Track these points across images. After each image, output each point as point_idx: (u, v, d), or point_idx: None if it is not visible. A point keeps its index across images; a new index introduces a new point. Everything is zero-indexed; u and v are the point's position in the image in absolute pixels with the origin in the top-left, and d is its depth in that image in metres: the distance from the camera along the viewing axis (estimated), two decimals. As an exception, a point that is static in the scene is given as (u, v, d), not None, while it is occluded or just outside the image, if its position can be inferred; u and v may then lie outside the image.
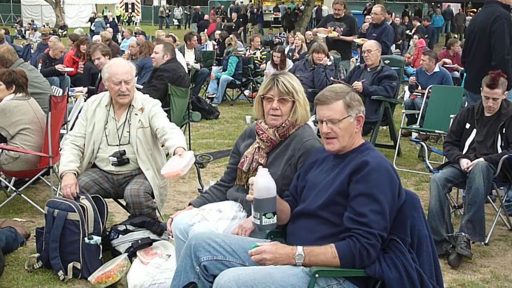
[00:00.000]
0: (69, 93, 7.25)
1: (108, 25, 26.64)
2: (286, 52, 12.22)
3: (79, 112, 5.97)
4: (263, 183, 2.77)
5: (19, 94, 5.32)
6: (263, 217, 2.77)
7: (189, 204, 3.61)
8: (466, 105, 6.38)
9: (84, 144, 4.47)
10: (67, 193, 4.16)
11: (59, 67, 10.13)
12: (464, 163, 4.83)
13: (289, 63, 11.11)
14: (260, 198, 2.77)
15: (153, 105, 4.50)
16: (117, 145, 4.43)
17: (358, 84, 7.10)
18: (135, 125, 4.41)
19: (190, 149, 6.51)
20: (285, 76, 3.36)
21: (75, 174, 4.30)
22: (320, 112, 2.94)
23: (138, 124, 4.41)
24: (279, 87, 3.30)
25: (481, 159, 4.76)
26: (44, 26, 28.19)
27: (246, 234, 3.19)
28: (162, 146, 4.46)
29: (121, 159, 4.40)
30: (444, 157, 5.56)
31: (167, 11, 39.92)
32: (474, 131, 5.04)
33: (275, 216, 2.80)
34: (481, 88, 4.98)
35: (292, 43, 14.95)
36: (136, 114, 4.43)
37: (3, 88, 5.34)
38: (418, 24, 21.60)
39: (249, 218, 3.06)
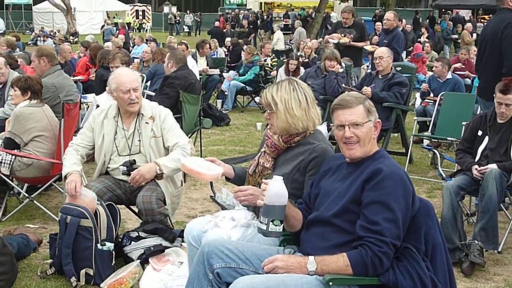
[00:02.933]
0: (81, 99, 7.30)
1: (117, 32, 26.63)
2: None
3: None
4: (275, 190, 2.76)
5: (34, 101, 5.36)
6: (271, 223, 2.75)
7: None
8: (478, 112, 6.35)
9: (85, 154, 4.46)
10: (70, 187, 4.09)
11: None
12: (474, 168, 4.81)
13: (301, 70, 11.11)
14: (271, 204, 2.76)
15: (165, 115, 4.45)
16: (127, 155, 4.42)
17: (367, 90, 7.06)
18: (147, 134, 4.38)
19: (201, 156, 6.52)
20: (274, 86, 3.34)
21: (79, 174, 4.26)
22: (342, 116, 2.91)
23: (151, 134, 4.38)
24: (264, 99, 3.35)
25: (494, 165, 4.74)
26: (55, 32, 28.35)
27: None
28: None
29: (131, 168, 4.34)
30: (457, 164, 5.53)
31: (178, 18, 40.03)
32: (487, 138, 5.01)
33: (282, 224, 2.79)
34: (494, 95, 4.96)
35: (303, 48, 14.89)
36: (146, 123, 4.39)
37: (18, 94, 5.38)
38: (425, 31, 21.60)
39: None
